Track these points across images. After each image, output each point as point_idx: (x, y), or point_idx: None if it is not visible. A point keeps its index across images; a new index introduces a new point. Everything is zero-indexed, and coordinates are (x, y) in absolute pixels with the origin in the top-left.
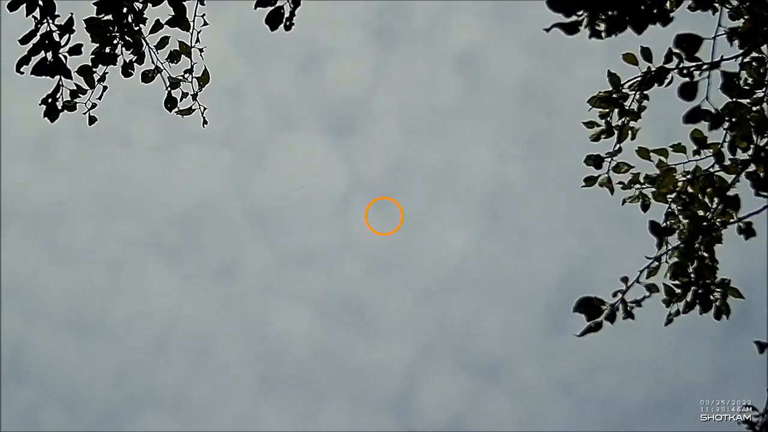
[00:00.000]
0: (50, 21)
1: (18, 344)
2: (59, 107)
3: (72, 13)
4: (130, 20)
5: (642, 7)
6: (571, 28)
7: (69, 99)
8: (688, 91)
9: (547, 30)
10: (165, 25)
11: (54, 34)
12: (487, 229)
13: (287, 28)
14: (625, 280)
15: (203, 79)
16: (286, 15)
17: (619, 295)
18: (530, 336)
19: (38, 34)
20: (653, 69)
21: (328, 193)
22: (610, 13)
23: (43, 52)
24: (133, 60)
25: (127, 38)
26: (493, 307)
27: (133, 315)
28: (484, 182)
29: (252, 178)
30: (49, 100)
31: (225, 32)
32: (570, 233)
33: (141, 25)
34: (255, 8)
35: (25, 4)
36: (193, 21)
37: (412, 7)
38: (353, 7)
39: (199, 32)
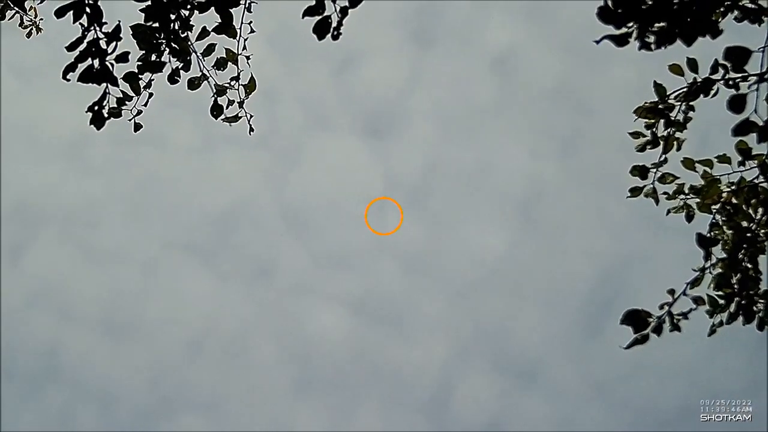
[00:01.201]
0: (97, 28)
1: (53, 346)
2: (105, 115)
3: (119, 21)
4: (176, 27)
5: (691, 19)
6: (621, 40)
7: (115, 106)
8: (736, 104)
9: (597, 42)
10: (212, 33)
11: (101, 41)
12: (522, 229)
13: (335, 37)
14: (671, 292)
15: (250, 87)
16: (334, 24)
17: (666, 308)
18: (566, 337)
19: (85, 41)
20: (699, 80)
21: (364, 194)
22: (659, 25)
23: (90, 59)
24: (180, 67)
25: (174, 45)
26: (529, 307)
27: (168, 316)
28: (519, 183)
29: (288, 180)
30: (96, 108)
31: (261, 33)
32: (605, 234)
33: (188, 32)
34: (302, 17)
35: (72, 11)
36: (240, 28)
37: (448, 8)
38: (389, 9)
39: (245, 39)
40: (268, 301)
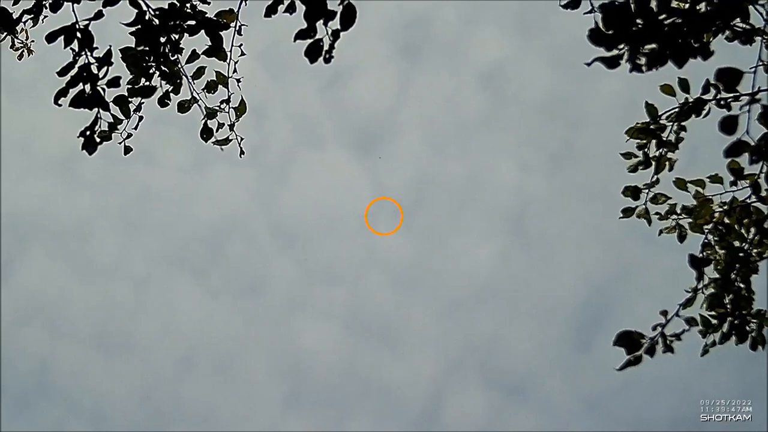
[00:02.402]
0: (88, 53)
1: (45, 361)
2: (97, 139)
3: (111, 46)
4: (166, 50)
5: (682, 41)
6: (612, 62)
7: (106, 129)
8: (729, 126)
9: (588, 64)
10: (202, 55)
11: (92, 66)
12: (512, 243)
13: (326, 61)
14: (664, 313)
15: (240, 110)
16: (325, 48)
17: (659, 329)
18: (556, 352)
19: (76, 66)
20: (691, 100)
21: (354, 209)
22: (650, 46)
23: (81, 84)
24: (170, 90)
25: (164, 68)
26: (519, 322)
27: (160, 332)
28: (509, 196)
29: (278, 195)
30: (88, 133)
31: (249, 49)
32: (595, 247)
33: (178, 55)
34: (294, 40)
35: (63, 36)
36: (230, 51)
37: (436, 23)
38: (378, 24)
39: (236, 62)
40: (259, 317)
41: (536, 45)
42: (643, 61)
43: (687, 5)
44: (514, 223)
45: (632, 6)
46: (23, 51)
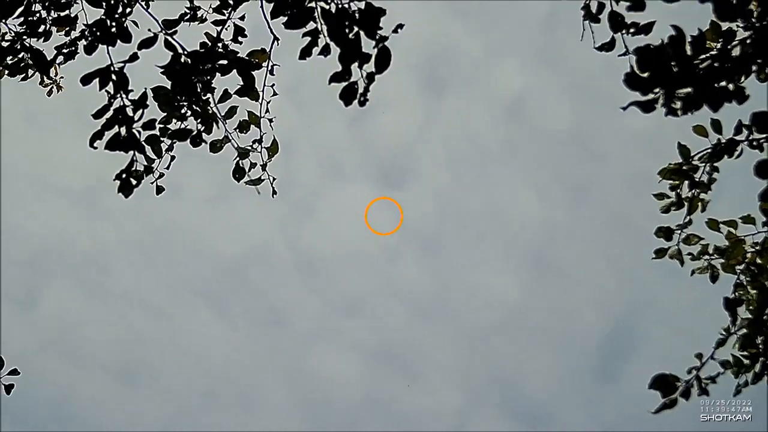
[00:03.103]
0: (124, 95)
1: (65, 392)
2: (133, 182)
3: (146, 88)
4: (198, 90)
5: (717, 85)
6: (647, 107)
7: (141, 170)
8: (764, 170)
9: (624, 108)
10: (234, 95)
11: (127, 108)
12: (534, 274)
13: (361, 104)
14: (699, 356)
15: (272, 150)
16: (360, 90)
17: (694, 372)
18: (578, 383)
19: (111, 108)
20: (723, 141)
21: (376, 241)
22: (685, 90)
23: (116, 126)
24: (202, 129)
25: (196, 108)
26: (540, 353)
27: (181, 362)
28: (532, 228)
29: (301, 227)
30: (123, 176)
31: (276, 82)
32: (616, 278)
33: (210, 95)
34: (329, 83)
35: (98, 79)
36: (263, 91)
37: (459, 55)
38: (402, 57)
39: (268, 102)
40: (280, 348)
41: (558, 77)
42: (678, 105)
43: (719, 45)
44: (535, 254)
45: (667, 49)
46: (52, 87)
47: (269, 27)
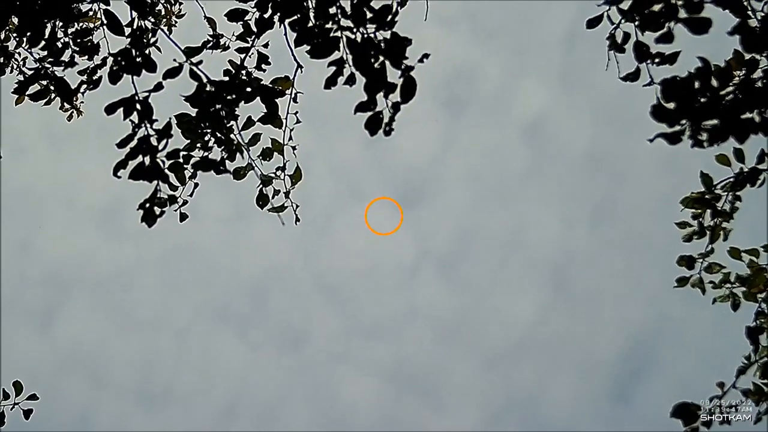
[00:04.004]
0: (148, 125)
1: (86, 413)
2: (156, 211)
3: (171, 118)
4: (222, 117)
5: (743, 117)
6: (674, 138)
7: (165, 197)
8: None
9: (651, 140)
10: (257, 122)
11: (152, 138)
12: (553, 296)
13: (387, 134)
14: (721, 385)
15: (296, 177)
16: (386, 120)
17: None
18: (597, 404)
19: (136, 138)
20: (746, 170)
21: (396, 262)
22: (711, 122)
23: (140, 156)
24: (225, 157)
25: (219, 135)
26: (560, 375)
27: (201, 384)
28: (551, 249)
29: (320, 248)
30: (147, 205)
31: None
32: (636, 301)
33: (233, 122)
34: (354, 113)
35: (122, 108)
36: (286, 118)
37: (479, 76)
38: (421, 77)
39: (291, 130)
40: (300, 370)
41: (578, 98)
42: (704, 137)
43: (742, 73)
44: (555, 275)
45: (694, 81)
46: (72, 112)
47: (293, 55)
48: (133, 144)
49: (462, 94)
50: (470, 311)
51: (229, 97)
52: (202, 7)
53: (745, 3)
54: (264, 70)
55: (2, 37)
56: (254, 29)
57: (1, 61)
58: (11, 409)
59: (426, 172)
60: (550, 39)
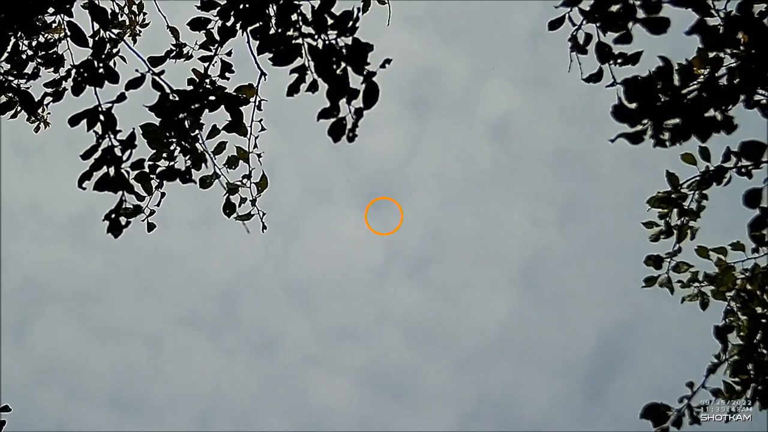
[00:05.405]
0: (112, 136)
1: (61, 423)
2: (122, 221)
3: (134, 128)
4: (187, 126)
5: (705, 114)
6: (635, 138)
7: (130, 207)
8: (752, 199)
9: (612, 141)
10: (222, 131)
11: (116, 149)
12: (524, 296)
13: (350, 140)
14: (690, 385)
15: (262, 185)
16: (349, 126)
17: (685, 401)
18: (569, 402)
19: (100, 149)
20: (712, 168)
21: (365, 265)
22: (673, 121)
23: (105, 167)
24: (191, 166)
25: (185, 144)
26: (532, 374)
27: (175, 391)
28: (521, 249)
29: (289, 252)
30: (113, 216)
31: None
32: (607, 299)
33: (198, 131)
34: (317, 120)
35: (86, 120)
36: (251, 126)
37: (445, 77)
38: (386, 78)
39: (256, 137)
40: (273, 374)
41: (545, 96)
42: (666, 136)
43: (707, 72)
44: (525, 275)
45: (655, 80)
46: (39, 124)
47: (256, 62)
48: (97, 155)
49: (428, 95)
50: (442, 312)
51: (193, 106)
52: (164, 17)
53: (708, 1)
54: (228, 79)
55: None
56: (217, 38)
57: None
58: None
59: (394, 173)
60: (514, 37)
